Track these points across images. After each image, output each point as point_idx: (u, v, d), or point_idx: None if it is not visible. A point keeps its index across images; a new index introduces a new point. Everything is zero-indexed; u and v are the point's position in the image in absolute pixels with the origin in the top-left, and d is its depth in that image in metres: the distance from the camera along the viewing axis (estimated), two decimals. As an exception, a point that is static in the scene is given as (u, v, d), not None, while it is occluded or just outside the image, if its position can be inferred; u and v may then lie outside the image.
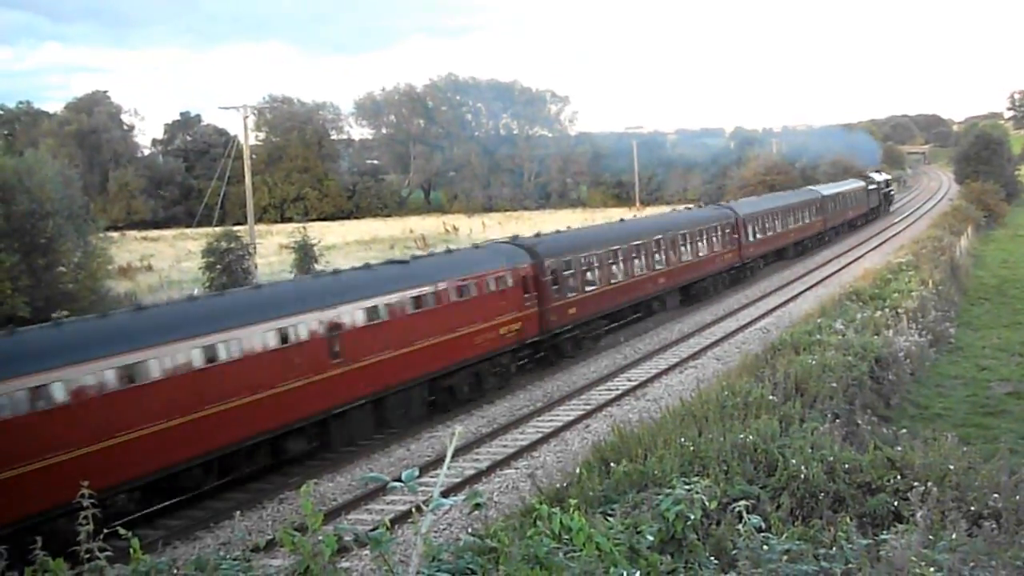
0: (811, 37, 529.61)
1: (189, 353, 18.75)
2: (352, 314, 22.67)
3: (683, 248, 40.14)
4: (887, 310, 29.04)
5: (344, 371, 22.11)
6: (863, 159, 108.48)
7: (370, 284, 24.26)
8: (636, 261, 35.93)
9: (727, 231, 45.12)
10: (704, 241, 42.42)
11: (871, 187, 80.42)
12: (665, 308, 39.58)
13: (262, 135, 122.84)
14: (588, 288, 32.31)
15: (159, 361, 18.17)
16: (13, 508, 15.60)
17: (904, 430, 16.91)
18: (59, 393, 16.53)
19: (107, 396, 17.19)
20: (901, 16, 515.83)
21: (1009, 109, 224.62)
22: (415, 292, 24.82)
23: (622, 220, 44.60)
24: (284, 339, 20.77)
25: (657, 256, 37.54)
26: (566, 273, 31.16)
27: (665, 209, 74.36)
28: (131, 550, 5.50)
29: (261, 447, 20.61)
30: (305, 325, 21.30)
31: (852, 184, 76.14)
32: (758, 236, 49.38)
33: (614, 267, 34.33)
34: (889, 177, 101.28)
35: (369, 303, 23.30)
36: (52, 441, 16.22)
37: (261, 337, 20.23)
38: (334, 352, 21.88)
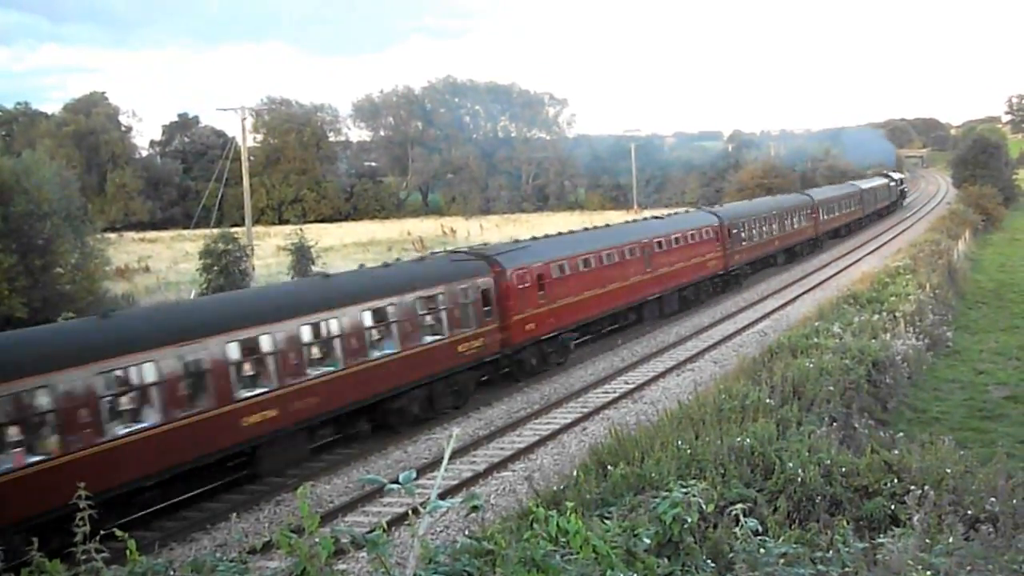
0: (809, 41, 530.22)
1: (610, 254, 34.47)
2: (653, 242, 37.88)
3: (786, 222, 55.39)
4: (884, 314, 29.06)
5: (650, 276, 37.20)
6: (882, 160, 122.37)
7: (655, 228, 40.12)
8: (765, 228, 51.41)
9: (808, 212, 60.26)
10: (796, 218, 57.68)
11: (892, 184, 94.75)
12: (778, 264, 54.68)
13: (260, 137, 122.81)
14: (744, 243, 47.37)
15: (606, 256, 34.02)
16: (549, 326, 30.15)
17: (901, 434, 16.89)
18: (582, 266, 32.30)
19: (581, 273, 32.16)
20: (899, 20, 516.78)
21: (1007, 113, 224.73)
22: (677, 234, 39.88)
23: (751, 199, 61.47)
24: (632, 252, 35.65)
25: (776, 226, 53.15)
26: (736, 231, 46.25)
27: (666, 211, 75.06)
28: (127, 551, 5.49)
29: (648, 304, 37.17)
30: (638, 244, 36.62)
31: (880, 181, 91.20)
32: (826, 217, 64.51)
33: (755, 231, 49.53)
34: (904, 176, 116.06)
35: (658, 238, 38.64)
36: (567, 291, 31.10)
37: (627, 248, 35.55)
38: (647, 264, 36.68)
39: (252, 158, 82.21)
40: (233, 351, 19.51)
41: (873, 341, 24.88)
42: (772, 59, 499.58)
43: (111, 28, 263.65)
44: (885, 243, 63.65)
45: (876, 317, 28.36)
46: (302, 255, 46.30)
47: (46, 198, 36.93)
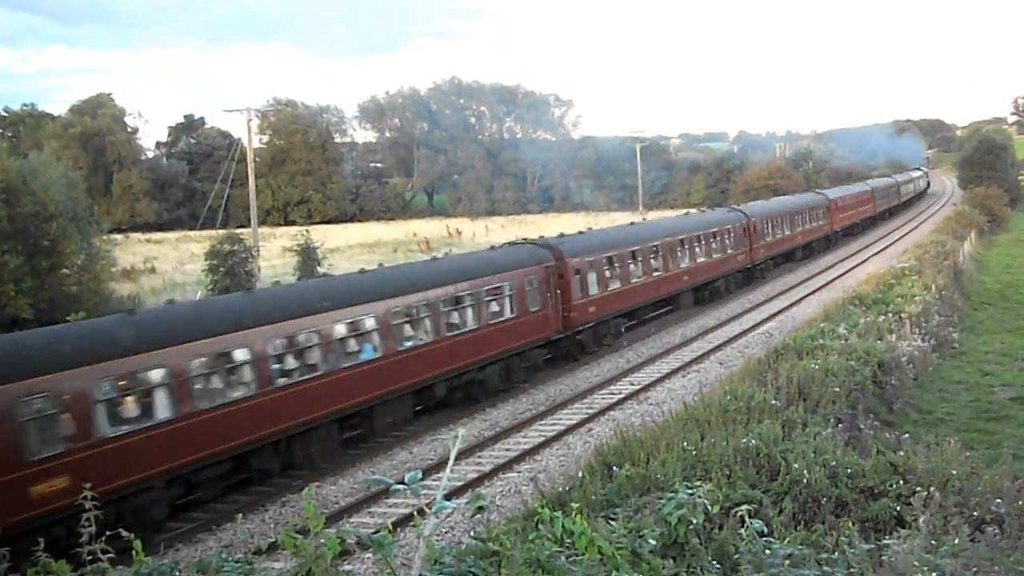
0: (815, 42, 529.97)
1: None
2: (840, 199, 66.96)
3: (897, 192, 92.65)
4: (890, 315, 29.01)
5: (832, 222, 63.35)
6: (911, 158, 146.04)
7: (847, 191, 73.30)
8: (878, 203, 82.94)
9: (892, 191, 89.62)
10: (884, 196, 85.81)
11: (924, 176, 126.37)
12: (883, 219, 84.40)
13: (266, 138, 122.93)
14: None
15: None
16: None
17: (907, 435, 16.87)
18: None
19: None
20: (904, 21, 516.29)
21: (1013, 114, 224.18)
22: (847, 194, 70.95)
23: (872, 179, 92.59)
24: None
25: (877, 202, 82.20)
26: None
27: (670, 213, 75.29)
28: (133, 552, 5.50)
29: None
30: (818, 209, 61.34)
31: (918, 173, 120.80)
32: (904, 191, 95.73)
33: (877, 202, 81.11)
34: (927, 170, 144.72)
35: (847, 194, 71.02)
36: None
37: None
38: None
39: (258, 159, 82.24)
40: None
41: (879, 342, 24.85)
42: (778, 60, 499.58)
43: (117, 29, 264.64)
44: (891, 244, 63.58)
45: (882, 318, 28.31)
46: (308, 256, 46.36)
47: (52, 199, 37.04)
